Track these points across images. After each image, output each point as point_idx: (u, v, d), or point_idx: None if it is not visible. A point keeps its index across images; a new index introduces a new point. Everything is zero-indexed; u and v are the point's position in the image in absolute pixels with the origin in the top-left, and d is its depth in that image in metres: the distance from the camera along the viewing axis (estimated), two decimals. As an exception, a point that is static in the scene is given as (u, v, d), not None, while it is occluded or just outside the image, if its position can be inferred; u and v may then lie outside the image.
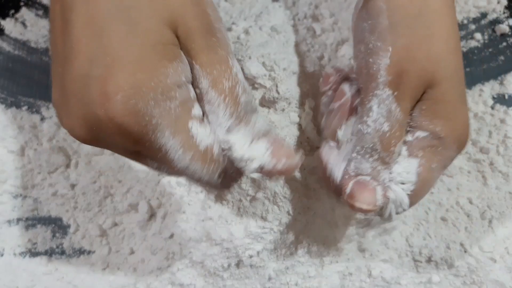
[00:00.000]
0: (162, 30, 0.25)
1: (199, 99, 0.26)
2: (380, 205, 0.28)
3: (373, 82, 0.29)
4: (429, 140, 0.29)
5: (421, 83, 0.28)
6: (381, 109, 0.28)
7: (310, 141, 0.38)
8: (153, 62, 0.24)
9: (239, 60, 0.37)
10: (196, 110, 0.26)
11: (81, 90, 0.24)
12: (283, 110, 0.37)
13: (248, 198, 0.36)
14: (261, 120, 0.27)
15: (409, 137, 0.30)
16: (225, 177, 0.27)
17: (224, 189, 0.31)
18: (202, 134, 0.25)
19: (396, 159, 0.29)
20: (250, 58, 0.36)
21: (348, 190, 0.28)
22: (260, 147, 0.26)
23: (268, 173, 0.27)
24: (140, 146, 0.25)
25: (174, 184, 0.39)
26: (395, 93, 0.28)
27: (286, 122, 0.37)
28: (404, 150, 0.30)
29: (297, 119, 0.38)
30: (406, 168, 0.29)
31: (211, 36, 0.26)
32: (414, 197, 0.30)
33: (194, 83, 0.26)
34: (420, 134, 0.29)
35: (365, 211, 0.28)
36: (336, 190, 0.30)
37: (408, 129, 0.30)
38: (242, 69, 0.36)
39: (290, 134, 0.37)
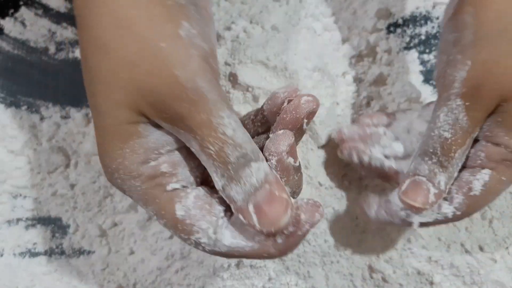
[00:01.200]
0: (115, 111, 0.25)
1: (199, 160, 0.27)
2: (431, 205, 0.29)
3: (446, 92, 0.29)
4: (504, 153, 0.29)
5: (495, 96, 0.28)
6: (448, 117, 0.29)
7: (313, 137, 0.38)
8: (110, 144, 0.26)
9: (234, 64, 0.37)
10: (170, 185, 0.27)
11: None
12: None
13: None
14: (260, 170, 0.25)
15: (479, 147, 0.30)
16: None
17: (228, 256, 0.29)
18: (185, 203, 0.26)
19: (457, 167, 0.30)
20: (246, 64, 0.36)
21: (403, 187, 0.30)
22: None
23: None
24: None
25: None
26: (466, 103, 0.28)
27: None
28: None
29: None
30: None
31: (181, 102, 0.25)
32: (476, 206, 0.31)
33: (187, 145, 0.26)
34: (493, 147, 0.30)
35: (415, 209, 0.30)
36: (382, 176, 0.35)
37: (481, 140, 0.30)
38: (236, 75, 0.36)
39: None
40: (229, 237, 0.26)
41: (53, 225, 0.42)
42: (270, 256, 0.26)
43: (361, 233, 0.39)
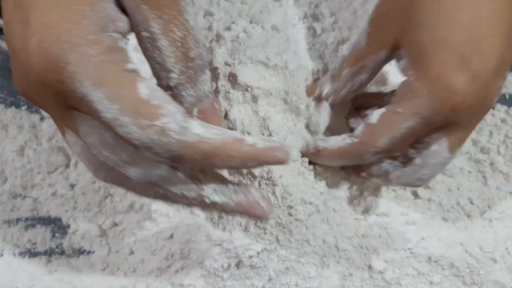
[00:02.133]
0: None
1: (150, 46, 0.24)
2: (314, 96, 0.36)
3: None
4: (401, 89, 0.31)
5: (395, 30, 0.30)
6: (357, 38, 0.33)
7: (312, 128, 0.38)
8: (70, 0, 0.21)
9: (234, 64, 0.37)
10: (130, 64, 0.23)
11: (10, 39, 0.23)
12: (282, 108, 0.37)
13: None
14: (207, 83, 0.25)
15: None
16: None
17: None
18: (140, 86, 0.22)
19: (343, 84, 0.34)
20: (246, 64, 0.36)
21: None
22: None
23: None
24: (61, 99, 0.23)
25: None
26: (369, 30, 0.31)
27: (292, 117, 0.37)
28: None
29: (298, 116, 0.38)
30: None
31: None
32: (372, 134, 0.31)
33: (141, 27, 0.23)
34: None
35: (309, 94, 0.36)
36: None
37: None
38: (236, 75, 0.37)
39: (293, 134, 0.37)
40: (199, 126, 0.23)
41: (53, 225, 0.42)
42: (238, 152, 0.23)
43: (361, 232, 0.39)
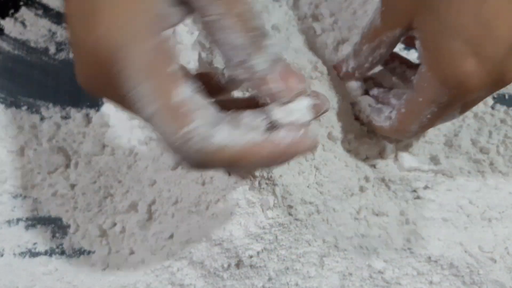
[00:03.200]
0: None
1: (214, 29, 0.24)
2: (342, 76, 0.38)
3: None
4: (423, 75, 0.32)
5: (409, 7, 0.31)
6: (372, 16, 0.35)
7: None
8: None
9: None
10: (173, 66, 0.23)
11: (75, 31, 0.24)
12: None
13: (246, 199, 0.36)
14: (274, 46, 0.25)
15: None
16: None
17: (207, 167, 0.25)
18: (183, 87, 0.23)
19: (365, 58, 0.36)
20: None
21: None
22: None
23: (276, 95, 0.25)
24: (109, 91, 0.24)
25: (173, 184, 0.39)
26: (383, 9, 0.33)
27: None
28: None
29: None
30: None
31: None
32: (404, 119, 0.34)
33: (205, 11, 0.24)
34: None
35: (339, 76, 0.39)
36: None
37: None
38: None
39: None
40: (224, 131, 0.24)
41: (53, 225, 0.42)
42: (259, 157, 0.24)
43: (361, 232, 0.39)
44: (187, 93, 0.23)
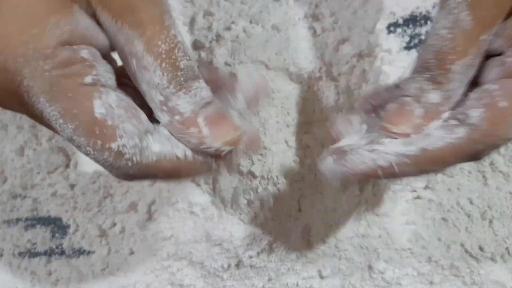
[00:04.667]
0: None
1: (135, 66, 0.23)
2: (416, 128, 0.23)
3: None
4: None
5: None
6: (447, 20, 0.22)
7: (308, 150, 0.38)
8: (34, 13, 0.21)
9: (234, 64, 0.37)
10: (90, 77, 0.22)
11: None
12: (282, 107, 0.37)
13: (246, 199, 0.36)
14: (205, 90, 0.24)
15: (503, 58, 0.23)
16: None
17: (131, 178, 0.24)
18: (97, 104, 0.21)
19: (459, 83, 0.23)
20: (246, 64, 0.36)
21: (385, 113, 0.25)
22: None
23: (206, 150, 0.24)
24: (25, 112, 0.22)
25: (173, 184, 0.39)
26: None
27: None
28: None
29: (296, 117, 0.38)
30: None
31: None
32: (500, 119, 0.23)
33: (125, 49, 0.22)
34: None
35: (398, 135, 0.24)
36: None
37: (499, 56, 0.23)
38: (236, 75, 0.37)
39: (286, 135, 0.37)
40: (158, 144, 0.23)
41: (53, 225, 0.42)
42: (198, 171, 0.24)
43: (361, 232, 0.39)
44: (108, 105, 0.22)
